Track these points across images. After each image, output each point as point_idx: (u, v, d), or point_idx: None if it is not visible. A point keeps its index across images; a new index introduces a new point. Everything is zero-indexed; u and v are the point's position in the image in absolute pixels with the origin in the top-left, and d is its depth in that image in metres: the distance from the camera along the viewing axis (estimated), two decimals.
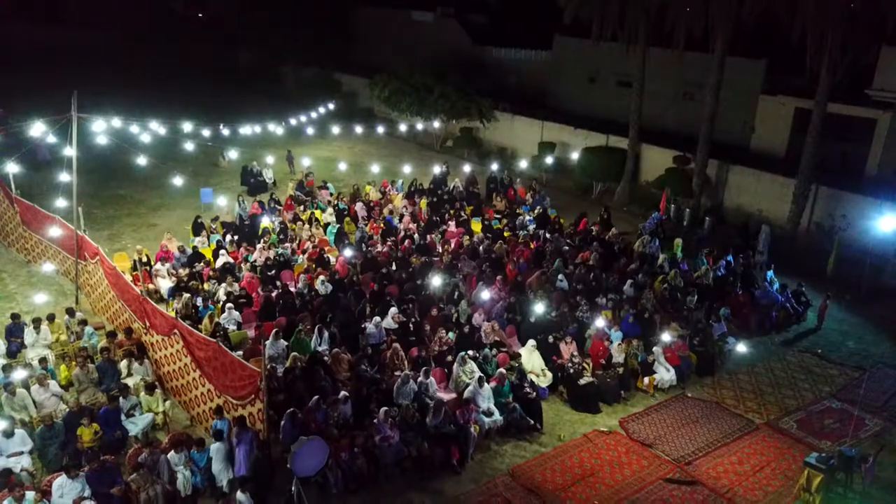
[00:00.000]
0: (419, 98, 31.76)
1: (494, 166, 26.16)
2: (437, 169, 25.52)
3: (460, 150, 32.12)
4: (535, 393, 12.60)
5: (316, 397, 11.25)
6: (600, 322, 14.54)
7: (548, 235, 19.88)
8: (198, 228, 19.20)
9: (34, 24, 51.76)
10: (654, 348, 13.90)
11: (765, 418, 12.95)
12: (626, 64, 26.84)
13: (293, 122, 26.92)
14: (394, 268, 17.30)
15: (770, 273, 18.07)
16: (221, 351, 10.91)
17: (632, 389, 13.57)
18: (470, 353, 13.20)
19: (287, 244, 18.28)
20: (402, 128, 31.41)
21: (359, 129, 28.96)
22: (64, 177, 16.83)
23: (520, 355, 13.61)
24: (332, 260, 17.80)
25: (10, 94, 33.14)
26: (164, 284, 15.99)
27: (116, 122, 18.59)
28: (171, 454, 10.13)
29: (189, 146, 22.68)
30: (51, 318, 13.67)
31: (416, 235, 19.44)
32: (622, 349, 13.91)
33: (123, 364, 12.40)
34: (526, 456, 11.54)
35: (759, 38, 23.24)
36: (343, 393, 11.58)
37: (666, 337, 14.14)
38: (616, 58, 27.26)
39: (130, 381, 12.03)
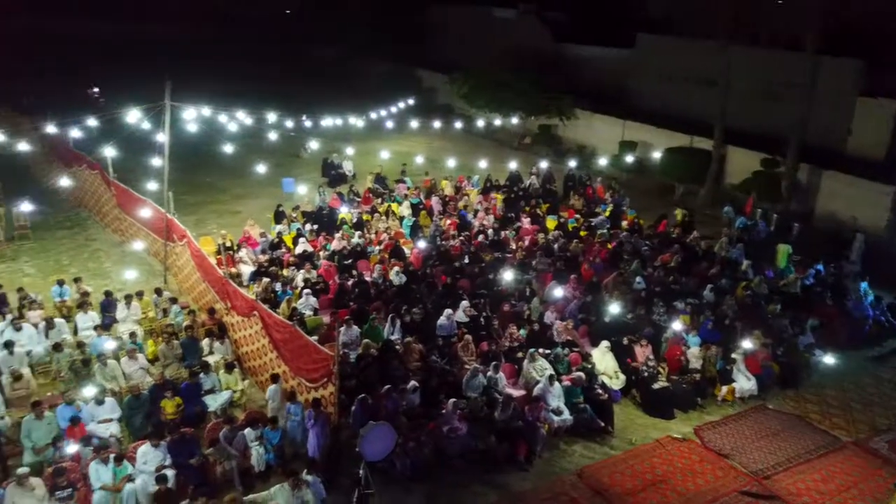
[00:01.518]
0: (498, 94, 31.67)
1: (572, 163, 25.78)
2: (512, 165, 25.35)
3: (538, 147, 31.83)
4: (606, 394, 12.36)
5: (388, 386, 11.38)
6: (678, 326, 14.12)
7: (625, 235, 19.43)
8: (279, 216, 19.76)
9: (125, 21, 54.41)
10: (734, 355, 13.38)
11: (853, 436, 12.26)
12: (711, 62, 25.93)
13: (373, 115, 27.32)
14: (466, 262, 17.31)
15: (864, 284, 17.09)
16: (297, 334, 11.20)
17: (708, 397, 13.11)
18: (541, 350, 13.09)
19: (363, 235, 18.60)
20: (480, 124, 31.37)
21: (437, 125, 29.13)
22: (156, 161, 17.64)
23: (591, 356, 13.37)
24: (407, 252, 18.00)
25: (109, 83, 35.03)
26: (246, 269, 16.51)
27: (206, 111, 19.29)
28: (248, 430, 10.46)
29: (272, 136, 23.36)
30: (140, 295, 14.36)
31: (489, 231, 19.40)
32: (700, 355, 13.47)
33: (205, 342, 12.90)
34: (595, 457, 11.33)
35: (852, 36, 21.97)
36: (412, 382, 11.66)
37: (747, 345, 13.60)
38: (700, 56, 26.40)
39: (211, 359, 12.47)
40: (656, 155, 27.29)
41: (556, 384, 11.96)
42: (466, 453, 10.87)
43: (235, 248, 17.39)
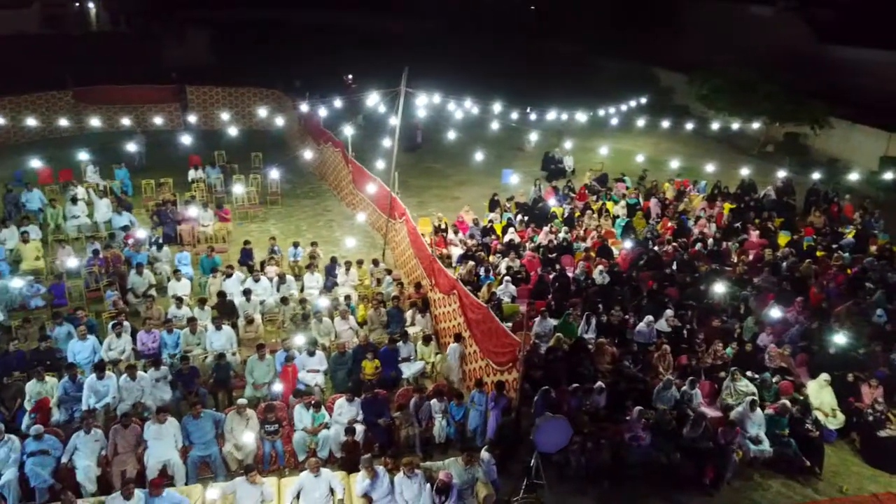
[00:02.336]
0: (741, 97, 29.37)
1: (816, 176, 23.16)
2: (745, 172, 23.38)
3: (780, 156, 29.03)
4: (818, 432, 11.04)
5: (575, 384, 11.25)
6: None
7: (871, 262, 17.06)
8: (493, 205, 20.32)
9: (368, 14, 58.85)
10: None
11: None
12: None
13: (601, 113, 26.83)
14: (676, 269, 16.42)
15: None
16: (490, 316, 11.48)
17: None
18: (748, 373, 12.07)
19: (570, 231, 18.48)
20: (714, 126, 29.35)
21: (665, 124, 27.82)
22: (386, 143, 19.08)
23: (806, 387, 12.01)
24: (616, 252, 17.54)
25: (355, 70, 38.29)
26: (455, 251, 17.23)
27: (436, 99, 20.38)
28: (434, 402, 10.98)
29: (495, 127, 24.02)
30: (360, 263, 15.68)
31: (709, 241, 18.17)
32: None
33: (409, 314, 13.73)
34: (793, 497, 10.22)
35: None
36: (599, 383, 11.39)
37: None
38: None
39: (412, 330, 13.24)
40: None
41: (758, 410, 10.94)
42: (647, 464, 10.40)
43: (448, 230, 18.19)
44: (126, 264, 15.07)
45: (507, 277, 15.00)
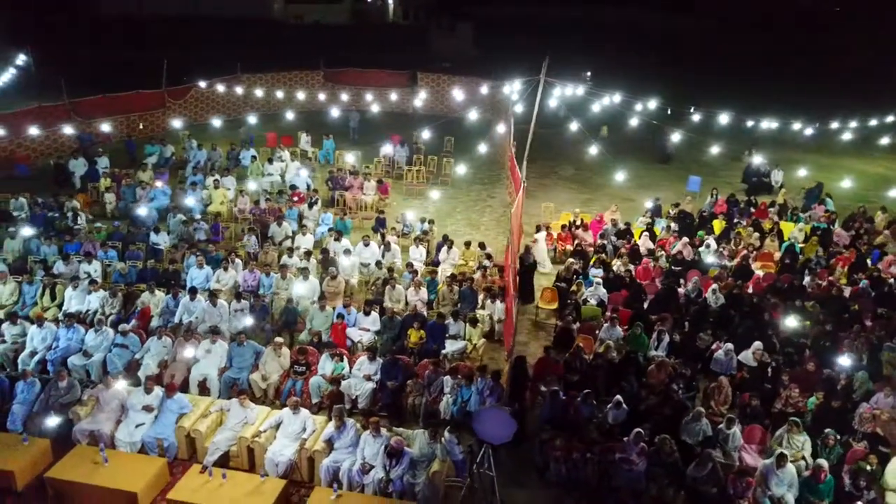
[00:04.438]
0: None
1: None
2: None
3: None
4: None
5: (587, 391, 10.64)
6: None
7: None
8: (657, 210, 19.24)
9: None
10: None
11: None
12: None
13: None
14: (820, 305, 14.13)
15: None
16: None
17: None
18: (828, 431, 10.18)
19: (723, 245, 16.80)
20: None
21: None
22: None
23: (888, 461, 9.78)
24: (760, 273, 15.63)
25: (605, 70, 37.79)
26: (541, 250, 16.67)
27: (617, 98, 19.77)
28: (448, 378, 11.23)
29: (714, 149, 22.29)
30: (467, 244, 16.20)
31: (891, 281, 15.17)
32: None
33: (481, 297, 13.95)
34: None
35: None
36: (617, 397, 10.60)
37: None
38: None
39: (480, 313, 13.47)
40: None
41: (789, 467, 9.28)
42: (636, 492, 9.50)
43: (578, 226, 17.74)
44: (278, 217, 17.41)
45: (598, 280, 14.35)
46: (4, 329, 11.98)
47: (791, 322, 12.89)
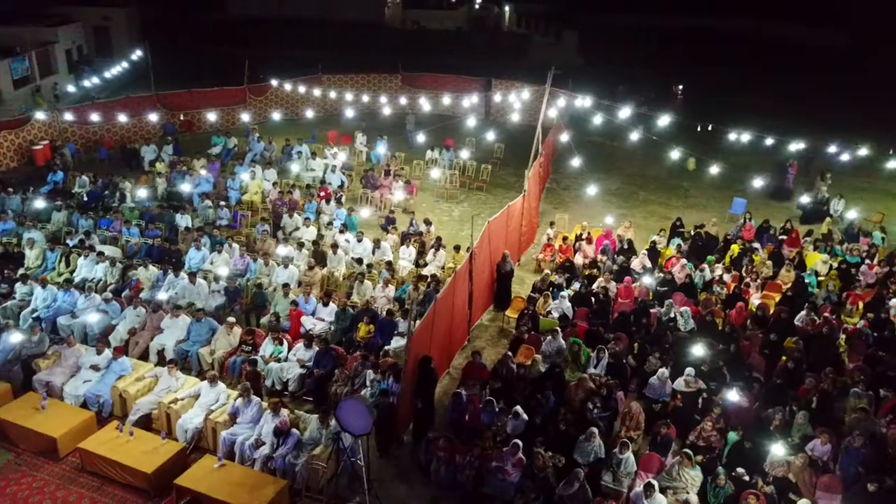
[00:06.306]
0: None
1: None
2: None
3: None
4: None
5: (488, 398, 10.77)
6: None
7: None
8: (672, 231, 18.54)
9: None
10: None
11: None
12: None
13: None
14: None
15: None
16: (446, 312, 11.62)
17: None
18: (739, 470, 9.77)
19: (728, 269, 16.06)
20: None
21: None
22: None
23: None
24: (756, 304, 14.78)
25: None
26: (578, 261, 16.59)
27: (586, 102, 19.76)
28: (370, 372, 11.72)
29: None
30: (456, 248, 16.50)
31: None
32: None
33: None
34: None
35: None
36: (517, 408, 10.64)
37: None
38: None
39: None
40: None
41: (657, 497, 8.98)
42: (505, 502, 9.58)
43: (582, 239, 17.51)
44: (291, 208, 18.47)
45: (564, 294, 14.23)
46: (17, 288, 13.86)
47: (698, 350, 12.18)
